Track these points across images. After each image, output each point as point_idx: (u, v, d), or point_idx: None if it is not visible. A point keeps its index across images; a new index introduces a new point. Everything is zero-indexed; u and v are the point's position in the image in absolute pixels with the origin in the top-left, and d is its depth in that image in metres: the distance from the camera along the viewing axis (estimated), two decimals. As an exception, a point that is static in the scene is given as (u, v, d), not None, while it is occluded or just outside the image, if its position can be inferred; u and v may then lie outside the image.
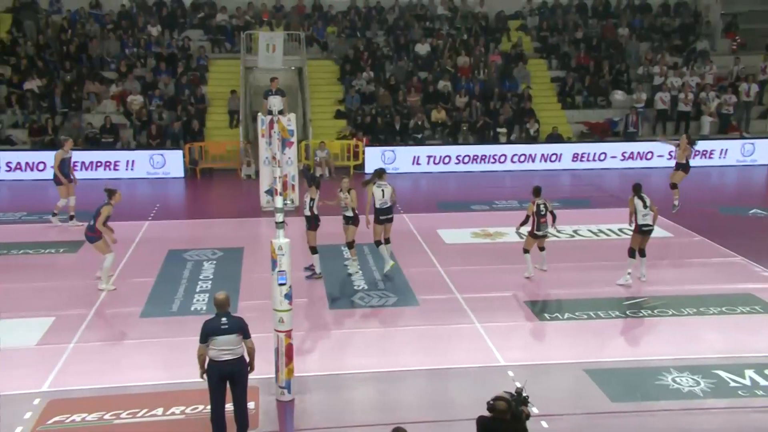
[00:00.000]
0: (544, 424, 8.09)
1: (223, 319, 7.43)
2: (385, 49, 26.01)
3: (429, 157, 22.63)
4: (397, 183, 21.42)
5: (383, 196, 12.58)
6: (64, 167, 15.99)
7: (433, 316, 11.14)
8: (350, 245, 12.82)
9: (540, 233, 12.41)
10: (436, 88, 24.64)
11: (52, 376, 9.09)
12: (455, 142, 23.45)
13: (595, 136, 24.02)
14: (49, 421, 8.00)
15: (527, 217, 12.31)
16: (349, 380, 9.21)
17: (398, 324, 10.93)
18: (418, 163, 22.59)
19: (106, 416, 8.11)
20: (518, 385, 6.39)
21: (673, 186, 15.49)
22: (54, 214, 15.97)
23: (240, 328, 7.47)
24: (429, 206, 18.17)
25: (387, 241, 12.85)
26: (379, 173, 12.73)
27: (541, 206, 12.27)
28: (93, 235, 11.89)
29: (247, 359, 7.56)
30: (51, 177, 16.50)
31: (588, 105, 25.14)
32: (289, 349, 8.48)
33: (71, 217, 15.88)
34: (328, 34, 26.38)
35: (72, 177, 16.12)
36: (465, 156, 22.73)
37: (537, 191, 12.33)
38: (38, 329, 10.43)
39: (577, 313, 11.21)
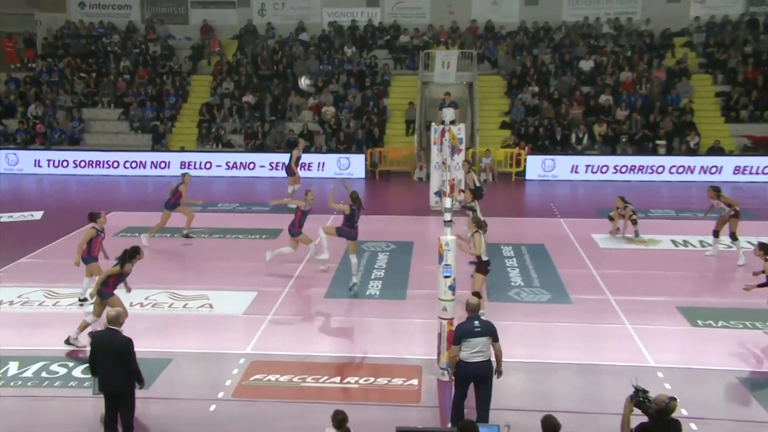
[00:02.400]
0: (693, 426, 7.50)
1: (476, 323, 7.25)
2: (550, 65, 25.31)
3: (587, 166, 21.80)
4: (556, 190, 21.10)
5: None
6: (298, 162, 17.97)
7: (585, 315, 10.71)
8: (476, 295, 9.80)
9: None
10: (597, 102, 23.58)
11: (254, 340, 9.79)
12: (614, 153, 22.31)
13: (760, 149, 21.82)
14: (251, 378, 8.65)
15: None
16: (506, 368, 9.03)
17: (552, 320, 10.59)
18: (576, 172, 21.80)
19: (295, 379, 8.61)
20: (635, 383, 5.79)
21: None
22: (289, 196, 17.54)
23: (491, 332, 7.25)
24: (586, 212, 17.44)
25: None
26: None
27: None
28: (293, 230, 12.50)
29: (494, 361, 7.31)
30: (283, 171, 18.56)
31: (754, 119, 22.84)
32: (450, 335, 8.49)
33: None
34: (498, 52, 26.12)
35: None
36: (623, 166, 21.63)
37: None
38: (244, 301, 11.30)
39: (732, 322, 10.28)
